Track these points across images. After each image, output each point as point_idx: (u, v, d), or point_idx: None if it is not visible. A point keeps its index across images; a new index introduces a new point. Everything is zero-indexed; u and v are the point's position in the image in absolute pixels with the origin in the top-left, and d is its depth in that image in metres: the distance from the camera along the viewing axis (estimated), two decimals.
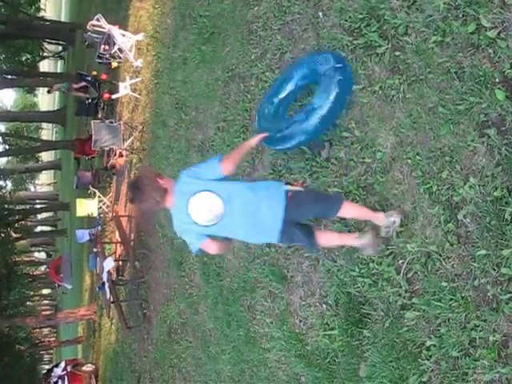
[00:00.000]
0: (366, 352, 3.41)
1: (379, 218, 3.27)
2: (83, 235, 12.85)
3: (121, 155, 11.59)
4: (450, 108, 2.93)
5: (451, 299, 2.84)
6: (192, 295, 6.55)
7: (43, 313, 38.53)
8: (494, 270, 2.64)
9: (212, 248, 3.45)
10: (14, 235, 29.80)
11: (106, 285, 9.63)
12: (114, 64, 11.28)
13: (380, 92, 3.49)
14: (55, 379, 14.78)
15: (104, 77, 12.47)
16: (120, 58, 10.86)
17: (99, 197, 12.98)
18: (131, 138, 10.54)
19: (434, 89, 3.07)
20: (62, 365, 15.34)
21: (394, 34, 3.39)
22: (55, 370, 15.47)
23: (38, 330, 34.34)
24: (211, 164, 3.30)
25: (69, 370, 14.53)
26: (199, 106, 6.79)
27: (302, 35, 4.42)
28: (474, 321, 2.71)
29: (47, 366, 33.17)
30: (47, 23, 30.37)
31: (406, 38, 3.29)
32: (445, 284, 2.89)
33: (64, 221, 41.67)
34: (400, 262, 3.22)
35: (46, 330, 45.46)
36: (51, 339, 42.11)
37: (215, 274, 5.84)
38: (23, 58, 33.27)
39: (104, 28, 10.59)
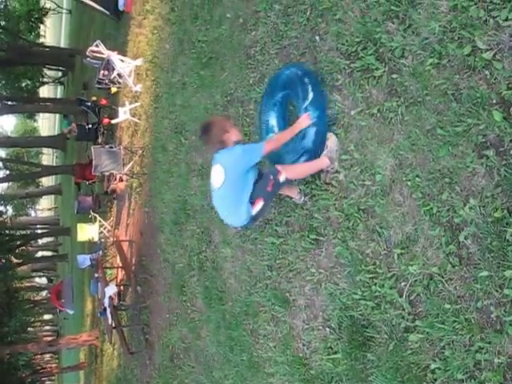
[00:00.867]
0: (370, 376, 3.38)
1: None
2: (84, 260, 12.83)
3: (121, 180, 11.62)
4: (448, 130, 2.95)
5: (455, 321, 2.82)
6: (194, 320, 6.51)
7: (45, 339, 38.23)
8: (497, 291, 2.63)
9: None
10: (14, 261, 29.71)
11: (108, 310, 9.58)
12: (114, 89, 11.37)
13: (378, 114, 3.51)
14: None
15: (103, 102, 12.56)
16: (119, 83, 10.94)
17: (100, 221, 12.97)
18: (131, 163, 10.57)
19: (431, 111, 3.08)
20: None
21: (390, 57, 3.42)
22: None
23: (39, 356, 34.03)
24: (256, 146, 3.89)
25: None
26: (199, 131, 6.81)
27: (300, 59, 4.46)
28: (478, 343, 2.70)
29: None
30: (47, 49, 30.66)
31: (402, 60, 3.32)
32: (448, 306, 2.87)
33: (65, 246, 41.59)
34: (402, 284, 3.20)
35: (47, 356, 45.01)
36: (53, 365, 41.67)
37: (217, 298, 5.82)
38: (23, 84, 33.51)
39: (103, 54, 10.69)
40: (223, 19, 6.23)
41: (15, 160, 41.24)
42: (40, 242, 52.09)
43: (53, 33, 65.40)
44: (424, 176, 3.11)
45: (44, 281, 58.19)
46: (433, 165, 3.06)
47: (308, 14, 4.39)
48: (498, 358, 2.59)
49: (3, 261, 25.82)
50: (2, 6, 29.28)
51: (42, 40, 36.66)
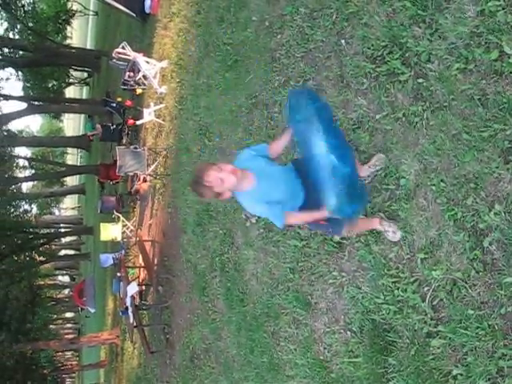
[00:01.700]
0: (391, 380, 3.37)
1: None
2: (107, 259, 12.95)
3: (145, 180, 11.71)
4: (474, 135, 2.94)
5: (478, 327, 2.81)
6: (215, 321, 6.54)
7: (66, 336, 38.68)
8: None
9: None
10: (38, 259, 30.11)
11: (130, 309, 9.66)
12: (139, 90, 11.47)
13: (403, 119, 3.51)
14: None
15: (129, 103, 12.67)
16: (144, 84, 11.05)
17: (123, 221, 13.08)
18: (155, 164, 10.66)
19: (457, 116, 3.08)
20: None
21: (416, 62, 3.42)
22: None
23: (60, 353, 34.43)
24: (277, 214, 3.29)
25: None
26: (223, 132, 6.86)
27: (325, 63, 4.47)
28: (501, 349, 2.68)
29: None
30: (73, 51, 31.03)
31: (428, 65, 3.31)
32: (471, 312, 2.86)
33: (88, 245, 41.97)
34: (425, 289, 3.19)
35: (68, 354, 45.53)
36: (73, 363, 42.16)
37: (238, 299, 5.84)
38: (50, 85, 34.01)
39: (129, 55, 10.79)
40: (249, 22, 6.26)
41: (41, 159, 41.77)
42: (63, 240, 52.68)
43: (79, 34, 66.20)
44: (449, 181, 3.10)
45: (67, 279, 58.84)
46: (458, 170, 3.05)
47: (334, 17, 4.40)
48: None
49: (27, 258, 26.19)
50: (31, 8, 29.77)
51: (68, 41, 37.22)
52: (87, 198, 41.58)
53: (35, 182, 46.93)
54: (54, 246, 39.98)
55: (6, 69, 26.92)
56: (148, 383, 10.14)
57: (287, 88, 5.03)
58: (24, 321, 21.94)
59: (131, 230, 12.99)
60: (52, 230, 39.82)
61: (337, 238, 3.74)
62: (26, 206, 36.77)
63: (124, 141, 13.05)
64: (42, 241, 30.43)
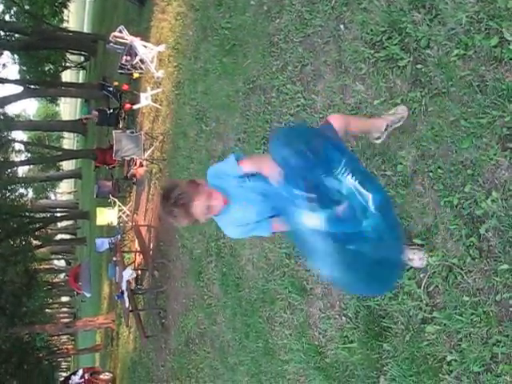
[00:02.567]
0: (385, 366, 3.39)
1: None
2: (103, 244, 12.96)
3: (141, 165, 11.68)
4: (472, 121, 2.93)
5: (473, 314, 2.82)
6: (210, 305, 6.56)
7: (62, 320, 38.79)
8: None
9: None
10: (34, 243, 30.10)
11: (125, 294, 9.68)
12: (136, 75, 11.38)
13: (401, 105, 3.49)
14: None
15: (125, 87, 12.59)
16: (141, 68, 10.97)
17: (119, 206, 13.08)
18: (152, 148, 10.63)
19: (456, 102, 3.06)
20: (80, 373, 15.39)
21: (415, 47, 3.39)
22: (73, 377, 15.53)
23: (56, 337, 34.51)
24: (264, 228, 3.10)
25: (86, 377, 14.59)
26: (220, 117, 6.83)
27: (324, 48, 4.44)
28: (495, 336, 2.69)
29: (65, 374, 33.32)
30: (70, 34, 30.82)
31: (427, 51, 3.29)
32: (466, 298, 2.87)
33: (84, 229, 42.00)
34: (421, 275, 3.20)
35: (64, 338, 45.64)
36: (69, 347, 42.29)
37: (234, 284, 5.85)
38: (46, 69, 33.72)
39: (126, 39, 10.71)
40: (247, 6, 6.21)
41: (37, 143, 41.64)
42: (59, 225, 52.66)
43: (76, 18, 65.66)
44: (446, 167, 3.09)
45: (62, 263, 58.94)
46: (455, 156, 3.04)
47: (333, 2, 4.37)
48: None
49: (23, 243, 26.17)
50: None
51: (65, 25, 36.82)
52: (83, 182, 41.53)
53: (31, 166, 46.85)
54: (49, 231, 39.94)
55: (2, 54, 26.75)
56: (143, 367, 10.20)
57: (285, 73, 5.00)
58: (20, 304, 21.94)
59: (127, 215, 12.99)
60: (48, 215, 39.85)
61: None
62: (22, 190, 36.72)
63: (120, 125, 13.00)
64: (37, 225, 30.43)
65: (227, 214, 2.93)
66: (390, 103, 3.60)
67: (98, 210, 13.32)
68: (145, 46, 10.57)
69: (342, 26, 4.23)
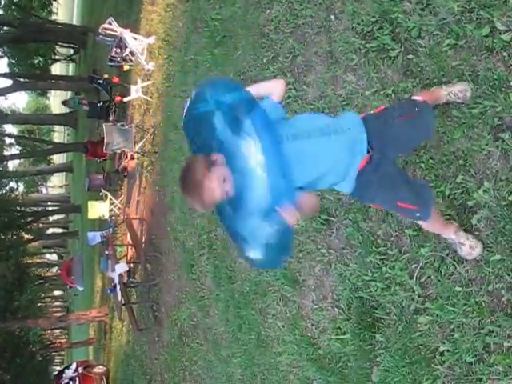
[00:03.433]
0: (378, 356, 3.39)
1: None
2: (94, 237, 12.91)
3: (132, 158, 11.64)
4: (463, 111, 2.92)
5: (465, 304, 2.82)
6: (203, 298, 6.55)
7: (55, 314, 38.72)
8: (509, 275, 2.62)
9: None
10: (25, 237, 29.98)
11: (118, 287, 9.66)
12: (126, 67, 11.32)
13: (393, 95, 3.48)
14: (66, 380, 14.79)
15: (115, 80, 12.52)
16: (131, 61, 10.90)
17: (111, 199, 13.03)
18: (143, 141, 10.58)
19: None
20: (74, 366, 15.37)
21: (406, 37, 3.38)
22: (66, 371, 15.51)
23: (49, 331, 34.49)
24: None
25: (80, 371, 14.56)
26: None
27: (314, 38, 4.42)
28: (488, 326, 2.69)
29: (58, 368, 33.31)
30: (59, 26, 30.58)
31: (419, 41, 3.27)
32: (458, 289, 2.87)
33: (75, 223, 41.86)
34: (413, 266, 3.20)
35: (57, 332, 45.63)
36: (62, 340, 42.25)
37: (226, 277, 5.84)
38: (35, 61, 33.52)
39: (116, 31, 10.63)
40: None
41: (27, 137, 41.39)
42: (51, 218, 52.49)
43: (65, 10, 65.18)
44: (438, 158, 3.09)
45: (54, 257, 58.79)
46: (447, 147, 3.03)
47: None
48: (508, 342, 2.59)
49: (14, 237, 26.07)
50: None
51: (54, 17, 36.59)
52: (74, 175, 41.36)
53: (22, 160, 46.56)
54: (41, 225, 39.82)
55: None
56: (137, 360, 10.19)
57: (276, 64, 4.98)
58: (12, 299, 21.91)
59: (119, 208, 12.95)
60: (39, 209, 39.69)
61: (422, 224, 2.85)
62: (13, 184, 36.54)
63: (111, 118, 12.91)
64: (29, 219, 30.29)
65: None
66: (381, 94, 3.59)
67: (90, 203, 13.27)
68: (135, 38, 10.50)
69: (332, 17, 4.20)
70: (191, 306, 6.97)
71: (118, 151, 11.31)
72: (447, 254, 2.96)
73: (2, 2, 28.24)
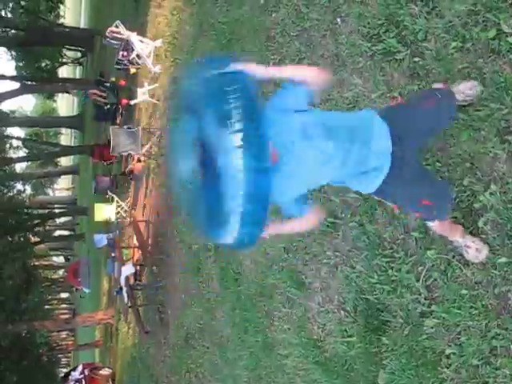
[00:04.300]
0: (384, 359, 3.39)
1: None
2: (101, 240, 12.95)
3: (139, 160, 11.68)
4: (470, 114, 2.91)
5: (471, 307, 2.81)
6: (209, 300, 6.56)
7: (61, 316, 38.80)
8: None
9: None
10: (32, 239, 30.05)
11: (124, 289, 9.68)
12: (133, 70, 11.38)
13: (399, 98, 3.48)
14: (72, 383, 14.83)
15: (122, 83, 12.59)
16: (138, 64, 10.95)
17: (117, 202, 13.07)
18: (149, 144, 10.61)
19: None
20: (80, 368, 15.37)
21: (413, 40, 3.38)
22: (73, 373, 15.51)
23: (56, 333, 34.59)
24: None
25: (86, 373, 14.57)
26: None
27: (321, 41, 4.42)
28: (494, 329, 2.69)
29: (65, 370, 33.37)
30: (66, 30, 30.68)
31: (425, 43, 3.27)
32: (465, 291, 2.86)
33: (82, 225, 41.96)
34: (419, 268, 3.19)
35: (63, 334, 45.74)
36: (69, 343, 42.38)
37: (233, 279, 5.85)
38: (43, 65, 33.65)
39: (123, 34, 10.69)
40: (244, 0, 6.18)
41: (34, 140, 41.55)
42: (58, 221, 52.62)
43: (73, 13, 65.47)
44: (444, 161, 3.08)
45: (61, 259, 58.89)
46: (453, 149, 3.03)
47: None
48: None
49: (21, 239, 26.13)
50: None
51: (61, 20, 36.71)
52: (81, 178, 41.50)
53: (29, 163, 46.69)
54: (48, 227, 39.91)
55: None
56: (143, 363, 10.20)
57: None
58: (19, 301, 21.94)
59: (125, 211, 12.99)
60: (46, 211, 39.78)
61: (433, 224, 2.77)
62: (20, 187, 36.65)
63: (118, 121, 12.99)
64: (36, 221, 30.36)
65: None
66: (387, 96, 3.59)
67: (96, 205, 13.32)
68: (141, 41, 10.55)
69: (338, 20, 4.21)
70: (197, 308, 6.97)
71: (125, 154, 11.34)
72: (453, 257, 2.96)
73: (10, 6, 28.43)
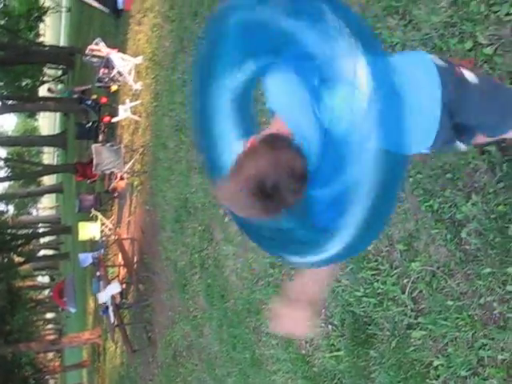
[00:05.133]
0: (373, 373, 3.37)
1: None
2: (86, 259, 12.80)
3: (122, 178, 11.60)
4: None
5: (457, 318, 2.81)
6: (196, 318, 6.51)
7: (47, 337, 38.34)
8: (500, 287, 2.62)
9: None
10: (16, 259, 29.74)
11: (110, 308, 9.58)
12: (114, 87, 11.35)
13: None
14: None
15: (104, 100, 12.54)
16: (119, 81, 10.93)
17: (101, 220, 12.96)
18: (132, 161, 10.56)
19: None
20: None
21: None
22: None
23: (42, 354, 34.14)
24: None
25: None
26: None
27: None
28: (481, 339, 2.69)
29: None
30: (46, 48, 30.59)
31: None
32: (450, 302, 2.86)
33: (67, 244, 41.63)
34: (405, 281, 3.19)
35: (50, 355, 45.12)
36: (56, 364, 41.77)
37: (219, 296, 5.81)
38: (23, 84, 33.49)
39: (103, 52, 10.67)
40: None
41: (16, 159, 41.24)
42: (42, 240, 52.14)
43: (52, 31, 65.32)
44: (426, 172, 3.10)
45: (46, 279, 58.32)
46: (434, 161, 3.04)
47: None
48: (502, 355, 2.58)
49: (5, 260, 25.86)
50: (2, 5, 29.28)
51: (41, 39, 36.63)
52: (65, 197, 41.16)
53: (11, 182, 46.36)
54: (32, 247, 39.53)
55: None
56: (131, 382, 10.09)
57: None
58: (4, 323, 21.66)
59: (110, 229, 12.88)
60: (30, 231, 39.41)
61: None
62: (3, 207, 36.33)
63: (100, 138, 12.92)
64: (20, 242, 30.07)
65: None
66: None
67: (80, 224, 13.19)
68: (122, 59, 10.54)
69: None
70: (185, 325, 6.92)
71: (108, 172, 11.28)
72: (438, 268, 2.96)
73: None
